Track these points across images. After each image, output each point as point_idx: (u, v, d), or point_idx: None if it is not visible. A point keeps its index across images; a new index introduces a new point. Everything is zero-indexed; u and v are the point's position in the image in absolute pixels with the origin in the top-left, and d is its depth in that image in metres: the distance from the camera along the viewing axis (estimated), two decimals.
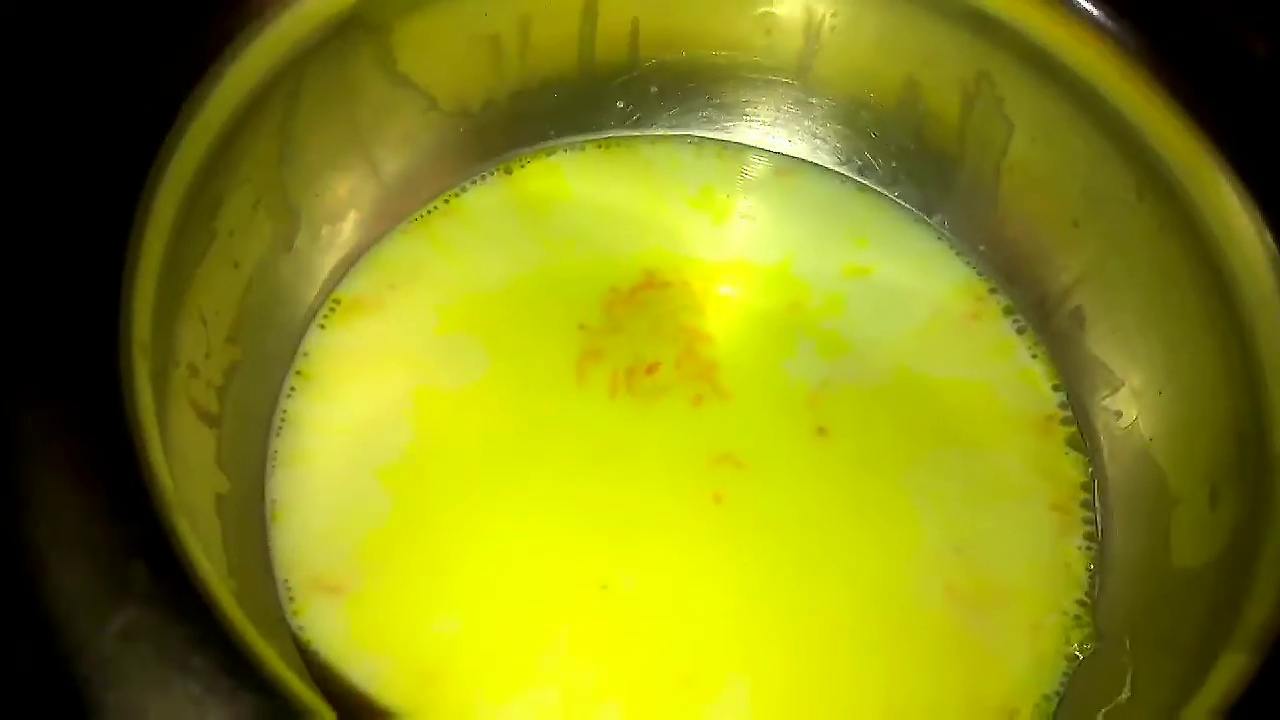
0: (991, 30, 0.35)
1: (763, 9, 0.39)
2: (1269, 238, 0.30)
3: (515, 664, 0.32)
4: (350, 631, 0.32)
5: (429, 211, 0.39)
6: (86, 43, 0.27)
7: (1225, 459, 0.31)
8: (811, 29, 0.39)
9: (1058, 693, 0.33)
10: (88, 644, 0.20)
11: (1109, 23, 0.33)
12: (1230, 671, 0.24)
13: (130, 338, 0.24)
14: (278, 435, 0.34)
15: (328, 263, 0.37)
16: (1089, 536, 0.35)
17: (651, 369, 0.37)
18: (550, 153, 0.41)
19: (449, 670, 0.31)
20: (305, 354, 0.36)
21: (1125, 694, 0.31)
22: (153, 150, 0.26)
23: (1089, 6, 0.33)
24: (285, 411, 0.35)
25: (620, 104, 0.41)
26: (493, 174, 0.40)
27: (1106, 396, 0.36)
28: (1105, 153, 0.34)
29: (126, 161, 0.26)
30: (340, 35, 0.33)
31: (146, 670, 0.19)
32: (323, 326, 0.37)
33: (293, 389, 0.35)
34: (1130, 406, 0.36)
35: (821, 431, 0.36)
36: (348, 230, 0.37)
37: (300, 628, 0.32)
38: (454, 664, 0.32)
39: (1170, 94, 0.32)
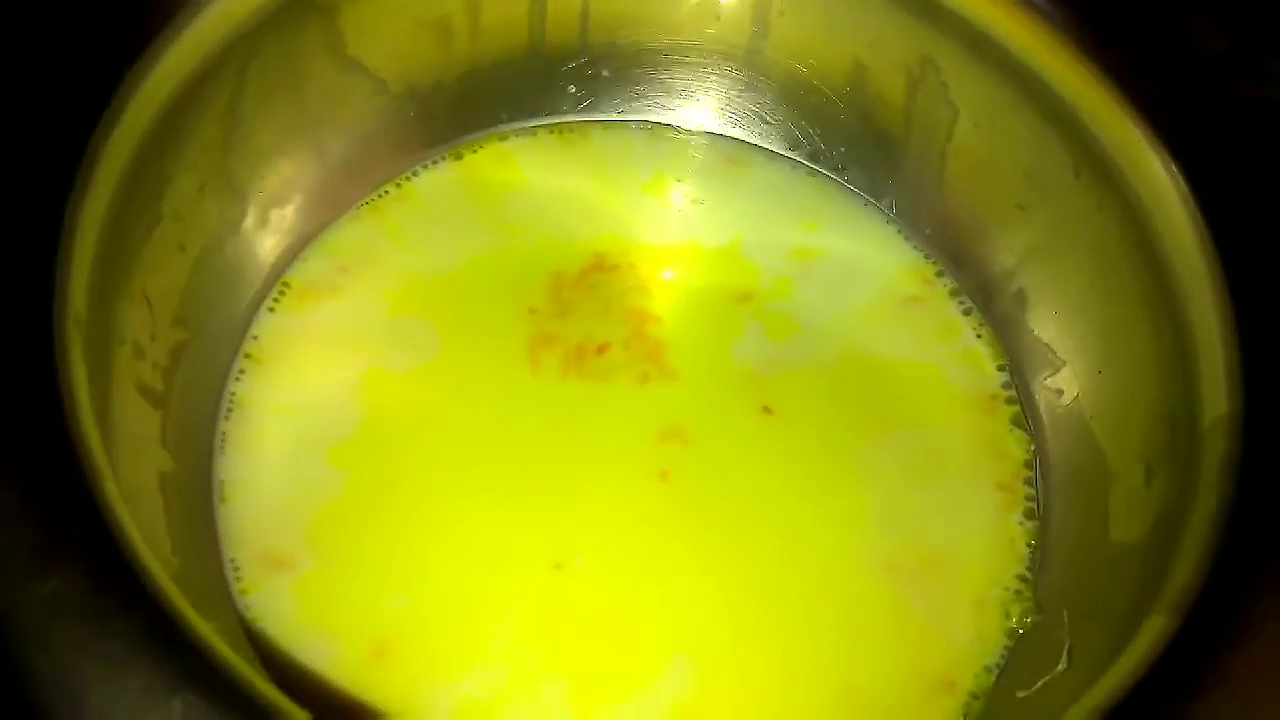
0: (933, 15, 0.36)
1: None
2: (1199, 217, 0.31)
3: (464, 641, 0.32)
4: (298, 609, 0.32)
5: (380, 196, 0.39)
6: (22, 13, 0.27)
7: (1159, 436, 0.32)
8: (759, 12, 0.39)
9: (998, 664, 0.33)
10: (17, 607, 0.20)
11: (1047, 7, 0.33)
12: (1152, 633, 0.25)
13: (65, 311, 0.24)
14: (226, 418, 0.35)
15: (276, 246, 0.37)
16: (1030, 513, 0.36)
17: (601, 349, 0.37)
18: (503, 138, 0.41)
19: (397, 646, 0.32)
20: (255, 337, 0.36)
21: (1062, 664, 0.31)
22: (89, 127, 0.26)
23: None
24: (234, 394, 0.35)
25: (572, 89, 0.42)
26: (444, 159, 0.40)
27: (1049, 376, 0.37)
28: (1046, 136, 0.35)
29: (63, 138, 0.26)
30: (288, 16, 0.33)
31: (74, 633, 0.20)
32: (272, 310, 0.37)
33: (242, 371, 0.35)
34: (1071, 386, 0.36)
35: (767, 410, 0.36)
36: (296, 214, 0.37)
37: (248, 606, 0.32)
38: (403, 641, 0.32)
39: (1106, 75, 0.33)
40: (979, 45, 0.35)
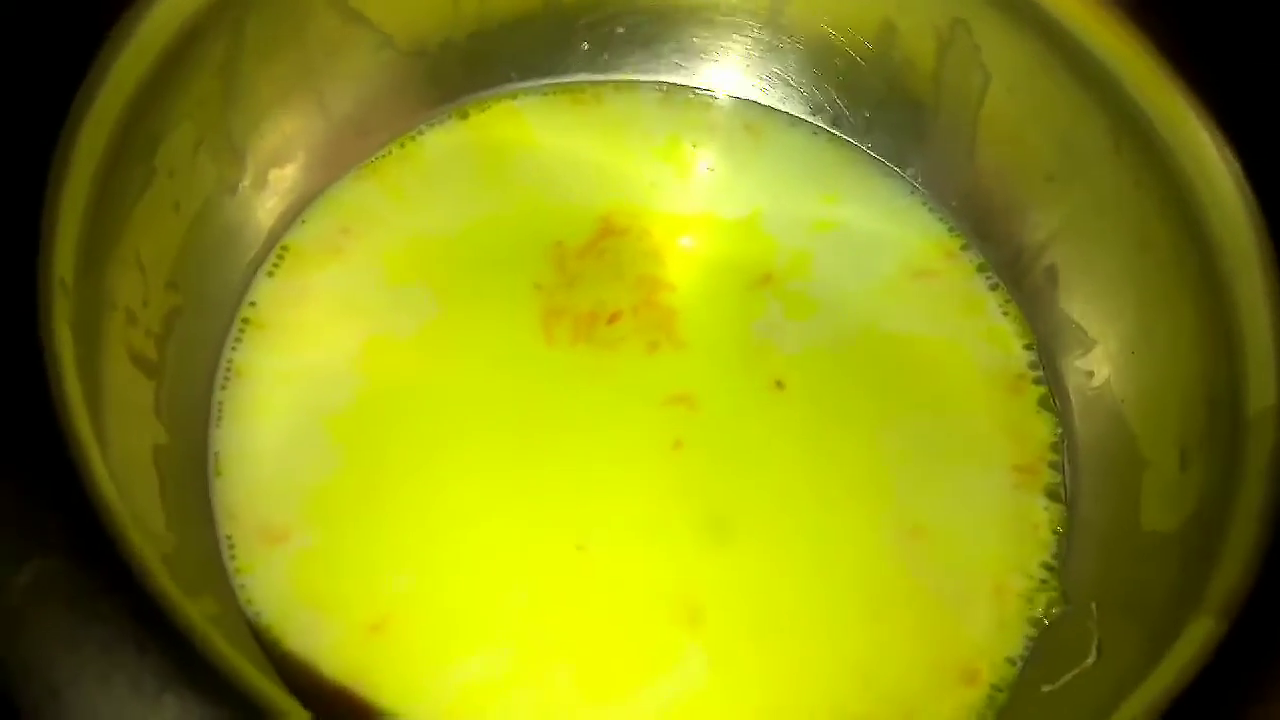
0: None
1: None
2: (1249, 192, 0.29)
3: (468, 622, 0.31)
4: (294, 586, 0.31)
5: (383, 155, 0.38)
6: None
7: (1196, 422, 0.30)
8: None
9: (1022, 656, 0.32)
10: None
11: None
12: (1198, 636, 0.24)
13: (50, 275, 0.22)
14: (222, 387, 0.33)
15: (276, 208, 0.35)
16: (1057, 499, 0.34)
17: (613, 319, 0.36)
18: (513, 97, 0.40)
19: (396, 625, 0.31)
20: (253, 303, 0.35)
21: (1091, 658, 0.30)
22: (77, 78, 0.25)
23: None
24: (231, 361, 0.34)
25: (585, 46, 0.40)
26: (451, 117, 0.39)
27: (1079, 356, 0.36)
28: (1083, 103, 0.33)
29: (48, 90, 0.24)
30: None
31: (57, 619, 0.18)
32: (271, 274, 0.35)
33: (239, 338, 0.34)
34: (1103, 367, 0.35)
35: (779, 385, 0.35)
36: (296, 174, 0.36)
37: (242, 584, 0.31)
38: (402, 620, 0.31)
39: (1150, 40, 0.31)
40: (1014, 6, 0.34)
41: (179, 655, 0.19)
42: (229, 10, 0.30)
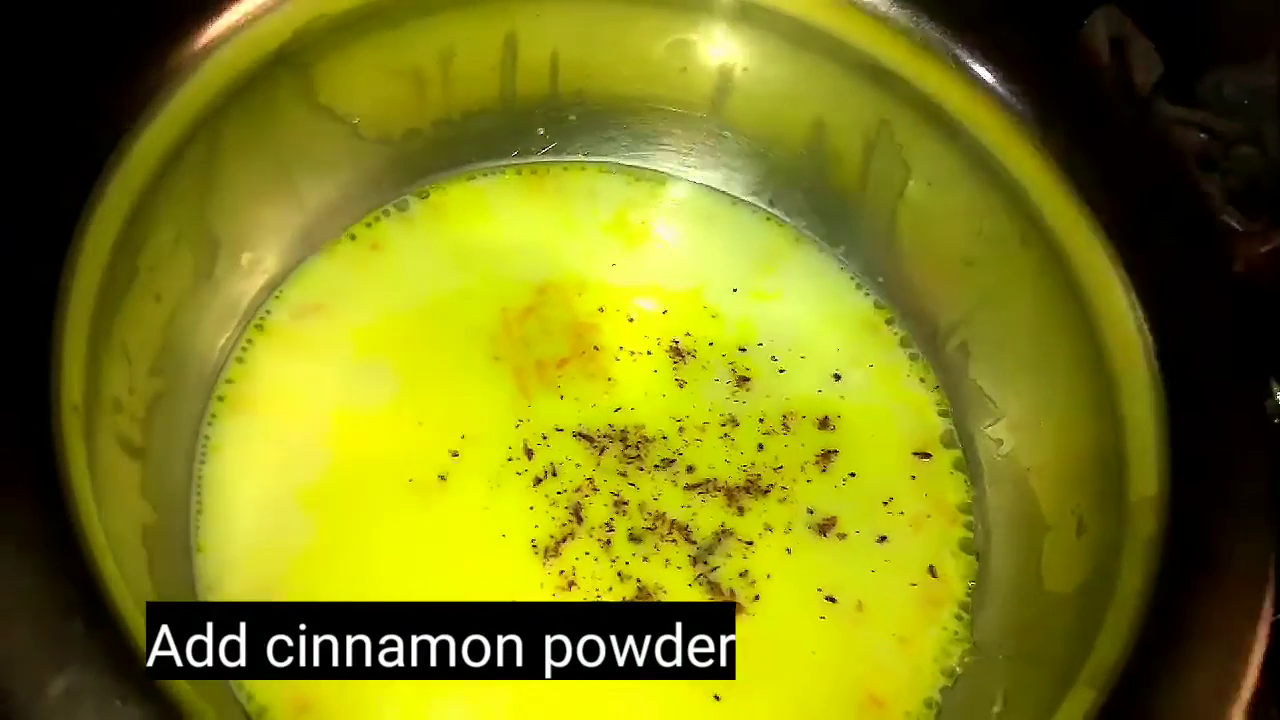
0: (889, 82, 0.37)
1: (678, 43, 0.41)
2: (1138, 307, 0.33)
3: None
4: None
5: (350, 237, 0.40)
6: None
7: (1090, 493, 0.34)
8: (724, 68, 0.41)
9: (936, 701, 0.35)
10: (31, 704, 0.21)
11: (998, 86, 0.35)
12: (1077, 707, 0.27)
13: (61, 403, 0.25)
14: (202, 462, 0.35)
15: (249, 290, 0.37)
16: (969, 554, 0.38)
17: (561, 364, 0.39)
18: (471, 178, 0.42)
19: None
20: (229, 381, 0.37)
21: (998, 706, 0.34)
22: (74, 214, 0.27)
23: (979, 69, 0.35)
24: (208, 438, 0.36)
25: (541, 131, 0.42)
26: (414, 198, 0.41)
27: (989, 425, 0.39)
28: (993, 202, 0.37)
29: (52, 226, 0.26)
30: (263, 75, 0.34)
31: None
32: (245, 351, 0.37)
33: (215, 415, 0.36)
34: (1009, 436, 0.38)
35: (727, 438, 0.38)
36: (269, 257, 0.38)
37: None
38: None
39: (1051, 154, 0.35)
40: (932, 114, 0.37)
41: None
42: (209, 119, 0.33)
